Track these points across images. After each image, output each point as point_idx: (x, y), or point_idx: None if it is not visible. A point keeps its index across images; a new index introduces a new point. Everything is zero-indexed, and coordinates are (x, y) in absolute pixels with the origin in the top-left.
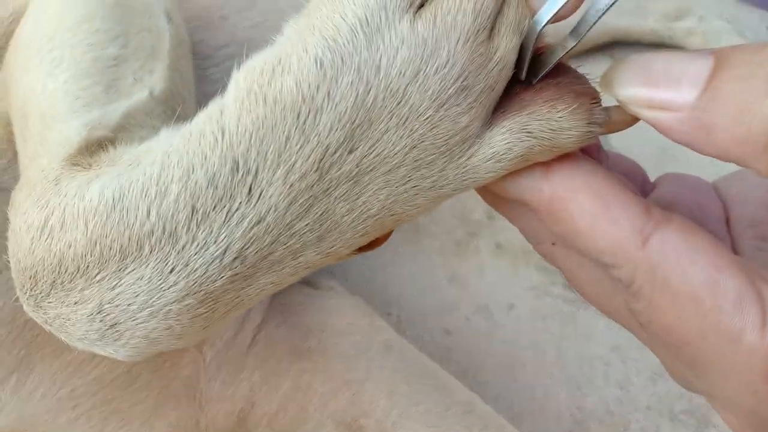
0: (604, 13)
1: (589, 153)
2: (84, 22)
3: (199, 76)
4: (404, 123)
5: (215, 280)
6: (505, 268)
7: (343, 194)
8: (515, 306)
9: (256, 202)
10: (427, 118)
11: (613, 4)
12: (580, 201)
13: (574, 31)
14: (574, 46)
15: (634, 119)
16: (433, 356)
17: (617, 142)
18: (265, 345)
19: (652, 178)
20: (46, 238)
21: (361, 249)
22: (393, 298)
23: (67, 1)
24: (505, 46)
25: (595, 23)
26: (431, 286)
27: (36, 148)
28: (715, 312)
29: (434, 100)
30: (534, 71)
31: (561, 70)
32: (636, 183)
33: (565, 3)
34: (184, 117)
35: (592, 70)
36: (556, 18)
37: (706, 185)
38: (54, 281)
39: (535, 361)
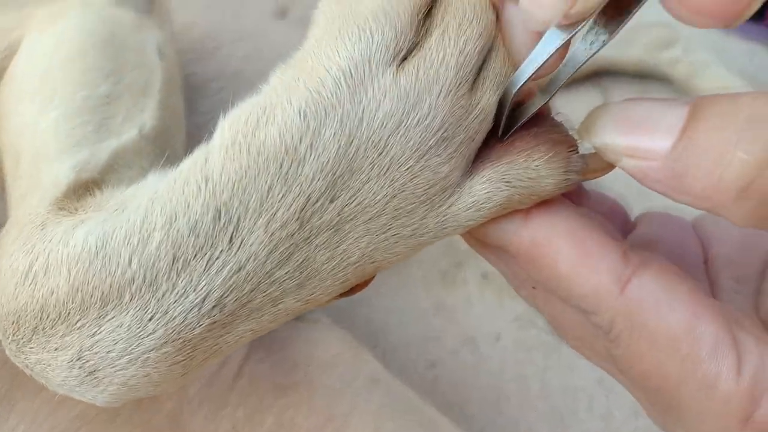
0: (575, 72)
1: (570, 192)
2: (76, 60)
3: (190, 107)
4: (385, 173)
5: (194, 328)
6: (491, 298)
7: (324, 242)
8: (501, 337)
9: (237, 250)
10: (407, 168)
11: (583, 64)
12: (559, 247)
13: (545, 89)
14: (545, 103)
15: (611, 166)
16: (419, 389)
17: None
18: (250, 379)
19: (636, 209)
20: (30, 284)
21: (342, 294)
22: (378, 329)
23: (60, 38)
24: (488, 99)
25: (564, 82)
26: (417, 317)
27: (26, 187)
28: (692, 358)
29: (415, 151)
30: (508, 125)
31: (539, 118)
32: (617, 222)
33: (543, 63)
34: (173, 155)
35: (579, 100)
36: (536, 76)
37: (685, 224)
38: (36, 327)
39: (520, 394)
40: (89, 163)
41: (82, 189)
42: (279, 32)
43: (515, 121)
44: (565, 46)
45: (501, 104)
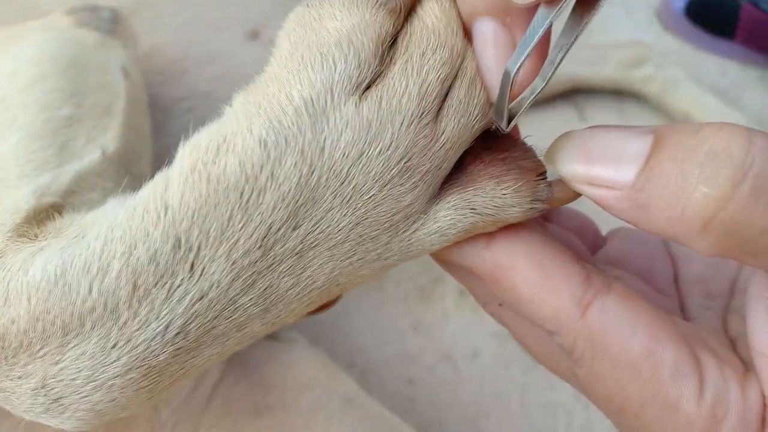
0: (566, 52)
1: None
2: (37, 82)
3: (158, 129)
4: (348, 202)
5: (158, 355)
6: (468, 314)
7: (288, 269)
8: (479, 353)
9: (198, 278)
10: (370, 197)
11: (574, 41)
12: (521, 270)
13: (540, 74)
14: (543, 88)
15: (577, 194)
16: (397, 407)
17: None
18: (223, 402)
19: (612, 223)
20: None
21: (309, 313)
22: (356, 347)
23: (21, 61)
24: (452, 128)
25: (559, 63)
26: (395, 335)
27: None
28: (653, 382)
29: (377, 181)
30: (510, 115)
31: (509, 143)
32: (587, 238)
33: (531, 50)
34: (140, 176)
35: (555, 118)
36: (513, 93)
37: (656, 241)
38: None
39: (499, 411)
40: (50, 188)
41: (43, 213)
42: (250, 54)
43: (509, 118)
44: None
45: (499, 104)
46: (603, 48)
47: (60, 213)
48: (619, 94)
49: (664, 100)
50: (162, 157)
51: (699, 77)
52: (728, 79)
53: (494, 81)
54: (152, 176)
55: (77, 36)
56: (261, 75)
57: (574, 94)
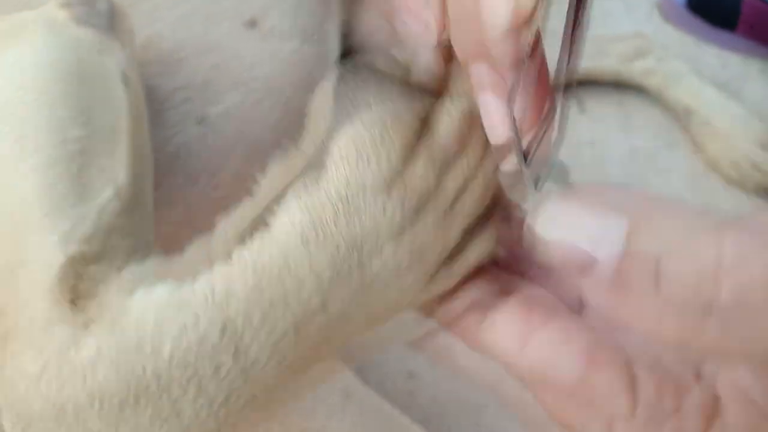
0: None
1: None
2: (43, 94)
3: (155, 120)
4: (366, 289)
5: (203, 423)
6: None
7: (313, 345)
8: None
9: (242, 358)
10: (384, 283)
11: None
12: (469, 316)
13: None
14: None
15: None
16: (396, 400)
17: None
18: None
19: None
20: (44, 388)
21: None
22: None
23: (21, 65)
24: (460, 224)
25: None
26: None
27: (8, 261)
28: (589, 405)
29: (392, 270)
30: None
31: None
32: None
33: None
34: (143, 190)
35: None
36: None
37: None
38: (51, 430)
39: (497, 402)
40: (74, 234)
41: (76, 272)
42: (249, 43)
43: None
44: None
45: (517, 159)
46: (603, 41)
47: (92, 263)
48: (619, 86)
49: (665, 93)
50: (160, 150)
51: (699, 69)
52: (729, 71)
53: (495, 124)
54: (155, 186)
55: (77, 37)
56: (301, 161)
57: (576, 86)
